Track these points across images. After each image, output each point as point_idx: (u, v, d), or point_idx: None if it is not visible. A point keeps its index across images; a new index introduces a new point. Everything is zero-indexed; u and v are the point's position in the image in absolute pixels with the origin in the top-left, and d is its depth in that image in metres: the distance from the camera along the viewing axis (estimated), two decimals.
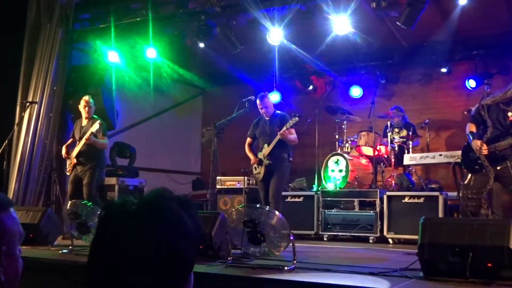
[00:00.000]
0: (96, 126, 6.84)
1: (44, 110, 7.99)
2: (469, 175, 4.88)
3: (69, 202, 5.72)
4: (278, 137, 6.44)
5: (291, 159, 6.75)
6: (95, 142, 6.86)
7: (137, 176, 9.13)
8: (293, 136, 6.61)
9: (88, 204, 5.63)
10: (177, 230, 1.11)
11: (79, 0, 8.24)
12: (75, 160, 6.97)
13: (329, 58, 9.66)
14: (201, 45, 7.85)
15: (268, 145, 6.57)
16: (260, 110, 6.75)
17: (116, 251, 1.07)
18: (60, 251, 5.36)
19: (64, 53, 8.21)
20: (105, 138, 7.09)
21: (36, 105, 7.87)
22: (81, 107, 7.12)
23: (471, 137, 4.98)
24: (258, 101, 6.74)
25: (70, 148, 7.15)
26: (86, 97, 7.15)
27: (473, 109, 5.17)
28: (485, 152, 4.77)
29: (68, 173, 7.19)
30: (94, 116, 7.16)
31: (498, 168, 4.75)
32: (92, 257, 1.11)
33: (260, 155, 6.69)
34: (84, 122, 7.11)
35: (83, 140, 6.84)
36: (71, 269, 4.53)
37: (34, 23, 8.16)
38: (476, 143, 4.84)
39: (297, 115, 6.51)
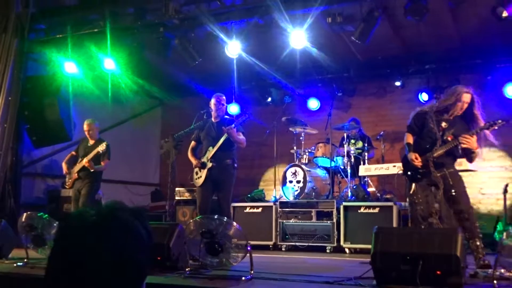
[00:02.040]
0: (100, 148, 6.94)
1: None
2: (413, 185, 5.05)
3: (25, 214, 5.59)
4: (225, 136, 6.18)
5: (236, 165, 6.38)
6: (93, 168, 6.94)
7: None
8: (241, 137, 6.34)
9: (44, 216, 5.52)
10: (132, 240, 1.15)
11: (35, 10, 8.10)
12: (76, 175, 7.06)
13: (287, 70, 9.79)
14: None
15: (213, 148, 6.27)
16: (212, 110, 6.48)
17: (74, 261, 1.09)
18: (15, 264, 5.24)
19: (19, 63, 8.07)
20: (106, 162, 7.15)
21: None
22: (85, 131, 7.24)
23: (407, 149, 5.17)
24: (213, 100, 6.46)
25: (70, 163, 7.25)
26: (88, 121, 7.27)
27: (410, 118, 5.34)
28: (419, 164, 4.96)
29: (67, 187, 7.31)
30: (101, 139, 7.29)
31: (438, 174, 4.92)
32: (51, 266, 1.13)
33: (204, 158, 6.35)
34: (91, 142, 7.23)
35: (83, 163, 6.95)
36: (26, 282, 4.44)
37: None
38: (411, 156, 5.03)
39: (246, 113, 6.44)
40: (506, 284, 3.63)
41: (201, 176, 6.32)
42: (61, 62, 8.33)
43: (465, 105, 5.00)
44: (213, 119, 6.54)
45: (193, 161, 6.47)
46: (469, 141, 4.77)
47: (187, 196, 8.91)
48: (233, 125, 6.22)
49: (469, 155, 4.98)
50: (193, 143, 6.66)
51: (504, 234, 3.79)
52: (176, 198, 8.95)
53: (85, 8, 7.97)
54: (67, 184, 7.27)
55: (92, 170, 6.95)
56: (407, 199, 5.17)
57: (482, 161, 8.81)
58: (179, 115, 10.59)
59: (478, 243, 4.73)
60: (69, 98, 8.70)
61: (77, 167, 7.11)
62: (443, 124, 5.02)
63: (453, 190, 4.88)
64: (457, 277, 3.68)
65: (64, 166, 7.30)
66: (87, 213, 1.16)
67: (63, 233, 1.16)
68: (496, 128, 4.79)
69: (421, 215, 4.91)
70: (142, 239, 1.18)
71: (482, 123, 4.90)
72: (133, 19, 7.78)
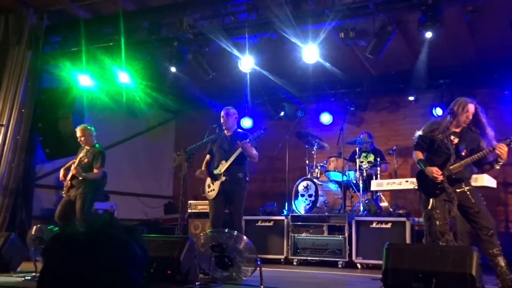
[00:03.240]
0: (90, 154, 6.74)
1: (11, 133, 7.80)
2: (431, 200, 4.89)
3: (34, 227, 5.57)
4: (239, 150, 6.14)
5: (247, 179, 6.35)
6: (80, 175, 6.64)
7: (107, 200, 8.98)
8: (254, 151, 6.29)
9: (54, 229, 5.50)
10: (125, 256, 1.12)
11: (49, 23, 8.15)
12: (69, 183, 6.81)
13: (300, 85, 9.76)
14: (173, 69, 7.81)
15: (226, 161, 6.24)
16: (223, 123, 6.46)
17: (64, 274, 1.06)
18: (23, 278, 5.18)
19: (33, 75, 8.09)
20: (99, 169, 6.84)
21: (3, 127, 7.71)
22: (78, 137, 6.94)
23: (422, 165, 5.02)
24: (222, 113, 6.47)
25: (68, 171, 6.96)
26: (81, 126, 6.99)
27: (415, 136, 5.22)
28: (440, 178, 4.79)
29: (63, 195, 6.97)
30: (96, 145, 6.98)
31: (458, 191, 4.78)
32: (41, 281, 1.10)
33: (217, 171, 6.30)
34: (86, 148, 6.95)
35: (71, 170, 6.69)
36: None
37: (1, 44, 8.03)
38: (431, 170, 4.88)
39: (262, 129, 6.37)
40: None
41: (214, 189, 6.29)
42: (76, 75, 8.34)
43: (470, 116, 4.89)
44: (225, 132, 6.52)
45: (202, 169, 6.53)
46: (504, 150, 4.61)
47: (199, 209, 8.86)
48: (248, 140, 6.18)
49: (493, 164, 4.81)
50: (208, 156, 6.64)
51: None
52: (189, 210, 8.90)
53: (99, 22, 8.01)
54: (63, 192, 6.95)
55: (80, 178, 6.65)
56: (423, 215, 5.01)
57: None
58: (193, 128, 10.59)
59: (502, 263, 4.54)
60: (83, 110, 8.71)
61: (70, 174, 6.81)
62: (453, 138, 4.90)
63: (476, 208, 4.71)
64: None
65: (61, 172, 6.99)
66: (77, 232, 1.12)
67: (52, 252, 1.12)
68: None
69: (440, 230, 4.77)
70: (135, 255, 1.13)
71: (491, 132, 4.80)
72: (148, 33, 7.80)
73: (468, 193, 4.78)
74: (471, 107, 4.92)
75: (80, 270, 1.06)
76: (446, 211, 4.88)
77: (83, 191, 6.71)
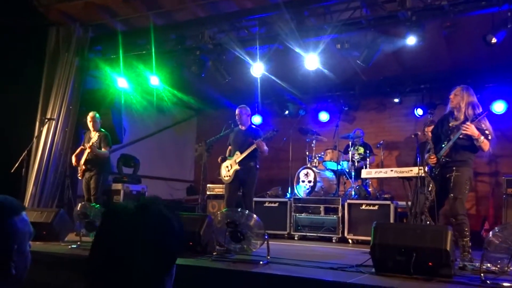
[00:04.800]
0: (95, 137, 6.70)
1: (60, 126, 7.83)
2: (431, 183, 4.68)
3: (79, 204, 5.58)
4: (254, 146, 6.12)
5: (258, 166, 6.34)
6: (95, 151, 6.63)
7: (139, 183, 9.01)
8: (265, 148, 6.25)
9: (96, 206, 5.51)
10: (165, 228, 1.12)
11: (93, 34, 8.15)
12: (83, 167, 6.80)
13: (302, 88, 9.68)
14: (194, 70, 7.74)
15: (241, 153, 6.23)
16: (238, 119, 6.43)
17: (115, 241, 1.07)
18: (69, 246, 5.23)
19: (79, 78, 8.09)
20: (107, 149, 6.82)
21: (54, 121, 7.72)
22: (88, 121, 6.95)
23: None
24: (237, 111, 6.44)
25: (79, 156, 6.95)
26: (91, 113, 6.97)
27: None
28: (432, 161, 4.57)
29: (80, 177, 6.99)
30: (101, 129, 6.97)
31: (447, 176, 4.51)
32: (95, 248, 1.11)
33: (231, 160, 6.32)
34: (92, 134, 6.92)
35: (87, 149, 6.68)
36: (79, 262, 4.41)
37: (54, 51, 8.04)
38: (428, 155, 4.67)
39: (275, 130, 6.34)
40: (492, 276, 3.44)
41: (229, 176, 6.31)
42: (114, 78, 8.36)
43: (453, 99, 4.62)
44: (240, 127, 6.49)
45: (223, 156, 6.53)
46: (469, 127, 4.29)
47: (216, 191, 8.85)
48: (262, 138, 6.18)
49: (475, 145, 4.40)
50: (230, 147, 6.63)
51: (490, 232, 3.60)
52: (208, 193, 8.89)
53: (134, 34, 7.98)
54: (79, 174, 6.93)
55: (95, 154, 6.60)
56: (420, 194, 4.79)
57: None
58: (211, 124, 10.58)
59: (464, 243, 4.36)
60: (120, 108, 8.73)
61: (83, 158, 6.79)
62: (451, 124, 4.59)
63: (451, 195, 4.44)
64: (447, 269, 3.53)
65: (73, 158, 6.96)
66: (129, 204, 1.13)
67: (108, 218, 1.13)
68: (482, 116, 4.37)
69: (428, 208, 4.57)
70: (175, 230, 1.14)
71: (470, 110, 4.47)
72: (175, 43, 7.79)
73: (452, 180, 4.46)
74: (453, 91, 4.67)
75: (128, 237, 1.07)
76: (422, 196, 4.75)
77: (97, 172, 6.74)
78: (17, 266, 1.22)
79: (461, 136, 4.42)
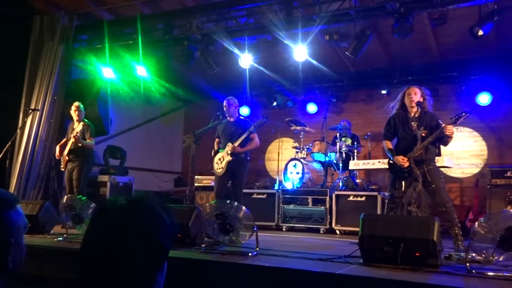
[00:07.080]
0: (79, 127, 6.59)
1: (45, 116, 7.70)
2: (403, 182, 4.88)
3: (65, 196, 5.52)
4: (246, 134, 6.12)
5: (248, 158, 6.33)
6: (80, 142, 6.54)
7: (126, 174, 8.92)
8: (256, 139, 6.28)
9: (82, 198, 5.46)
10: (157, 223, 1.12)
11: (78, 23, 8.00)
12: (66, 158, 6.68)
13: (290, 79, 9.67)
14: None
15: (232, 144, 6.19)
16: (225, 111, 6.40)
17: (106, 237, 1.07)
18: (56, 239, 5.16)
19: (64, 68, 7.95)
20: (91, 139, 6.74)
21: (38, 112, 7.59)
22: (72, 111, 6.84)
23: (390, 154, 4.97)
24: (224, 102, 6.40)
25: (63, 147, 6.83)
26: (76, 103, 6.87)
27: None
28: (406, 164, 4.78)
29: (63, 169, 6.87)
30: (85, 120, 6.87)
31: (420, 171, 4.75)
32: (86, 242, 1.11)
33: (223, 152, 6.30)
34: (76, 124, 6.80)
35: (71, 139, 6.58)
36: (65, 254, 4.37)
37: (38, 40, 7.89)
38: (398, 159, 4.85)
39: (264, 117, 6.32)
40: (477, 266, 3.50)
41: (222, 167, 6.28)
42: (100, 68, 8.24)
43: (414, 97, 4.84)
44: (228, 119, 6.46)
45: (215, 150, 6.49)
46: (451, 130, 4.62)
47: (204, 183, 8.83)
48: (252, 128, 6.16)
49: (446, 140, 4.80)
50: (217, 139, 6.59)
51: (476, 223, 3.66)
52: (196, 184, 8.87)
53: (121, 23, 7.87)
54: (62, 166, 6.82)
55: (80, 144, 6.51)
56: (390, 193, 4.99)
57: (456, 159, 8.67)
58: (199, 115, 10.53)
59: (457, 231, 4.62)
60: (107, 99, 8.61)
61: (66, 149, 6.68)
62: (413, 124, 4.84)
63: (432, 186, 4.71)
64: (433, 259, 3.57)
65: (57, 149, 6.84)
66: (120, 199, 1.14)
67: (99, 214, 1.13)
68: (463, 119, 4.65)
69: (391, 207, 4.81)
70: (167, 226, 1.14)
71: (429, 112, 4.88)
72: (162, 33, 7.70)
73: (427, 173, 4.74)
74: (412, 89, 4.88)
75: (119, 233, 1.07)
76: (411, 189, 4.88)
77: (79, 163, 6.63)
78: (14, 259, 1.21)
79: (447, 134, 4.68)
